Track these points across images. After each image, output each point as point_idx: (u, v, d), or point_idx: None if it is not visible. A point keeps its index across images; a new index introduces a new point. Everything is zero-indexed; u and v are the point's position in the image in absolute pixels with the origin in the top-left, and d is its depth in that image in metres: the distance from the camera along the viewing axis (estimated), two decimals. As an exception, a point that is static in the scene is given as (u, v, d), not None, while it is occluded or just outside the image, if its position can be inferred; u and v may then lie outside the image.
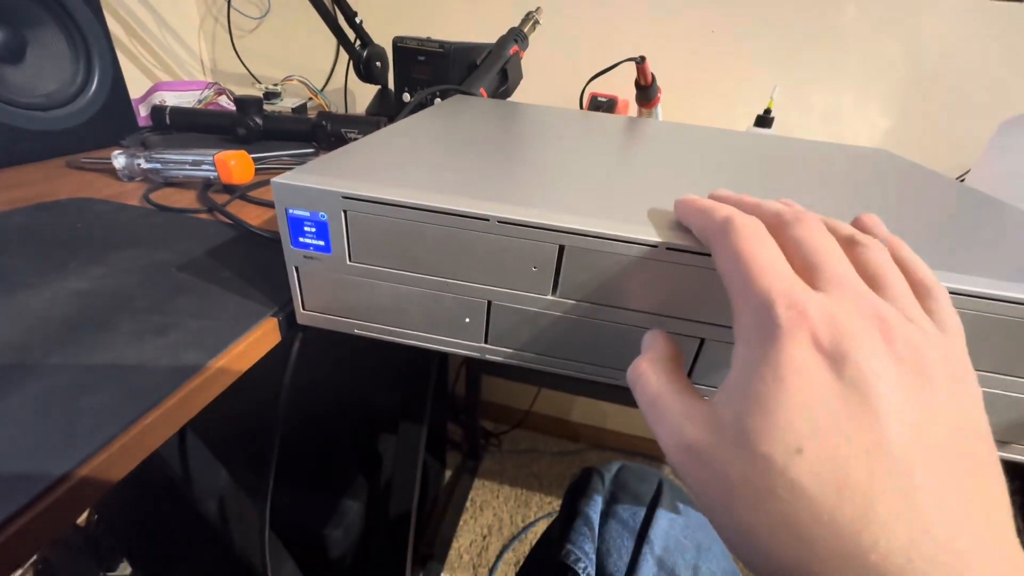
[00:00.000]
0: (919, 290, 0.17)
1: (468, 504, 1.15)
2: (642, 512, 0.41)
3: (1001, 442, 0.24)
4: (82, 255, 0.34)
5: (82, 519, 0.83)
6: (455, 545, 1.06)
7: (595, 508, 0.41)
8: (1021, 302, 0.21)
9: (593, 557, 0.37)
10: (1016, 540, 0.12)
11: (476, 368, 1.10)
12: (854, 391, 0.13)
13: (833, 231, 0.18)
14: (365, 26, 0.75)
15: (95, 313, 0.28)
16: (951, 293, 0.21)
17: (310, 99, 0.85)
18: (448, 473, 1.19)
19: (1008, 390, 0.23)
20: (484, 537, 1.09)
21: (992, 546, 0.12)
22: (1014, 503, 0.14)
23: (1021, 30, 0.70)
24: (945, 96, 0.76)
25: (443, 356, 0.86)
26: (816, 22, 0.76)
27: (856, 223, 0.21)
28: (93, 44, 0.55)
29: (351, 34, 0.75)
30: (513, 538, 1.08)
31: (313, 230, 0.26)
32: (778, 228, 0.18)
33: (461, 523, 1.10)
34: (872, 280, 0.16)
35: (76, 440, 0.20)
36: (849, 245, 0.17)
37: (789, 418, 0.13)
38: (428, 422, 0.61)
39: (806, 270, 0.16)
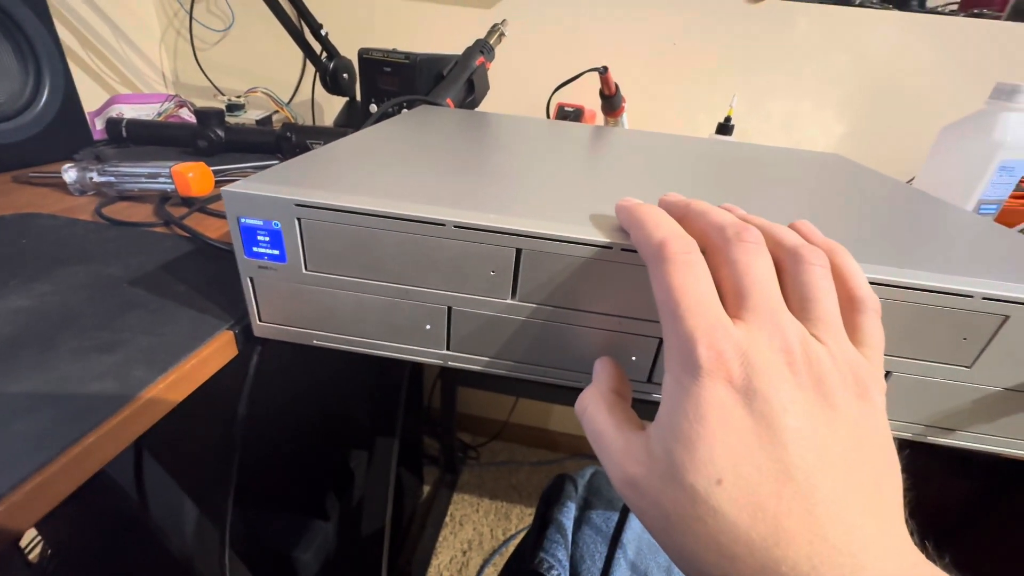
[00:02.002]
0: (851, 303, 0.18)
1: (447, 519, 1.13)
2: (615, 516, 0.41)
3: (946, 429, 0.25)
4: (25, 272, 0.32)
5: (35, 554, 0.78)
6: (435, 563, 1.03)
7: (568, 515, 0.41)
8: (960, 293, 0.21)
9: (567, 564, 0.37)
10: (906, 534, 0.15)
11: (451, 380, 1.09)
12: (763, 424, 0.15)
13: (778, 243, 0.19)
14: (331, 38, 0.75)
15: (37, 331, 0.26)
16: (895, 287, 0.22)
17: (276, 111, 0.84)
18: (426, 489, 1.17)
19: (948, 378, 0.24)
20: (464, 552, 1.07)
21: (884, 544, 0.14)
22: (907, 499, 0.16)
23: (957, 41, 0.75)
24: (893, 104, 0.80)
25: (415, 368, 0.85)
26: (771, 34, 0.79)
27: (791, 229, 0.21)
28: (43, 55, 0.53)
29: (317, 46, 0.75)
30: (494, 552, 1.07)
31: (267, 239, 0.25)
32: (718, 247, 0.18)
33: (440, 539, 1.08)
34: (801, 301, 0.17)
35: (9, 465, 0.19)
36: (791, 261, 0.18)
37: (709, 453, 0.15)
38: (400, 435, 0.60)
39: (735, 296, 0.17)
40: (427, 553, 1.03)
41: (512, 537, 1.11)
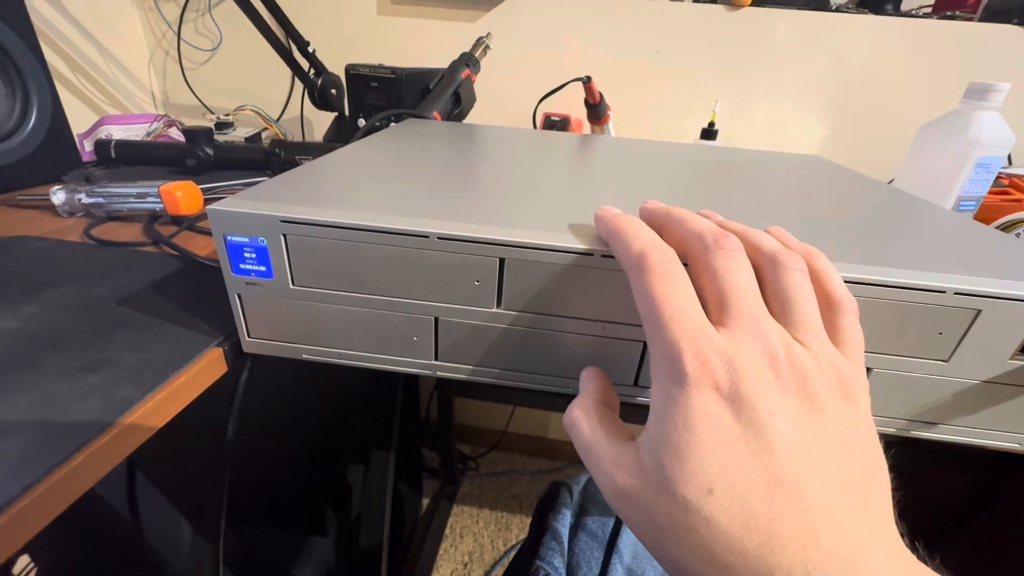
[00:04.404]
0: (829, 304, 0.18)
1: (447, 532, 1.12)
2: (611, 522, 0.41)
3: (928, 423, 0.26)
4: (12, 294, 0.32)
5: (28, 581, 0.77)
6: (435, 576, 1.03)
7: (564, 522, 0.41)
8: (933, 289, 0.22)
9: (563, 571, 0.37)
10: (896, 534, 0.15)
11: (447, 391, 1.09)
12: (752, 431, 0.15)
13: (756, 249, 0.19)
14: (318, 55, 0.75)
15: (22, 353, 0.26)
16: (870, 284, 0.22)
17: (265, 128, 0.85)
18: (426, 501, 1.16)
19: (927, 373, 0.24)
20: (465, 565, 1.06)
21: (876, 546, 0.14)
22: (895, 499, 0.16)
23: (932, 43, 0.76)
24: (871, 106, 0.81)
25: (411, 380, 0.85)
26: (751, 40, 0.80)
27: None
28: (30, 78, 0.54)
29: (305, 63, 0.76)
30: (495, 563, 1.06)
31: (253, 256, 0.25)
32: (697, 255, 0.19)
33: (441, 552, 1.07)
34: (782, 305, 0.18)
35: (-6, 487, 0.19)
36: (770, 266, 0.18)
37: (700, 463, 0.15)
38: (397, 448, 0.60)
39: (717, 303, 0.17)
40: (427, 566, 1.02)
41: (513, 548, 1.10)
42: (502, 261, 0.24)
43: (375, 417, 0.60)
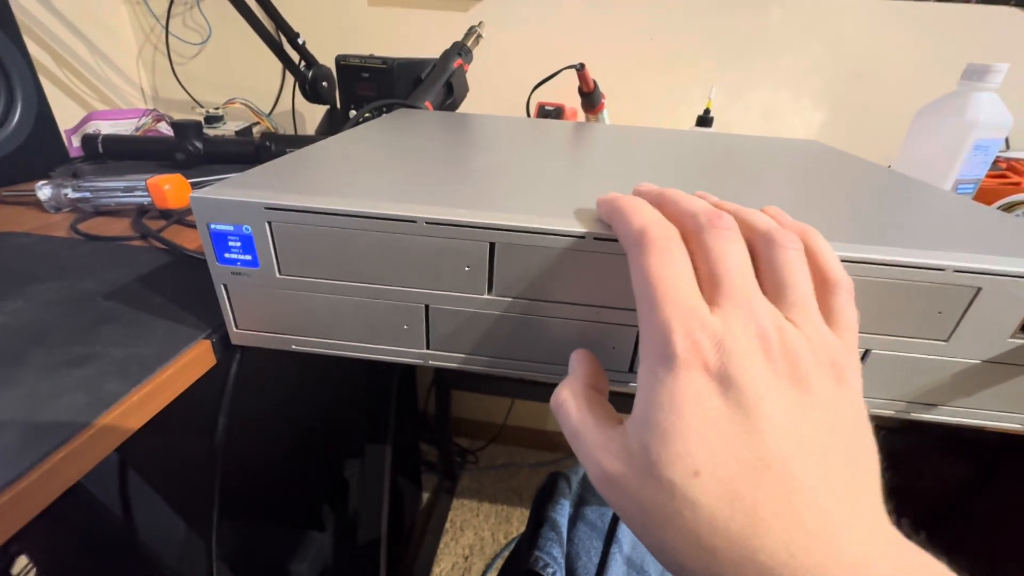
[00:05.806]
0: (824, 285, 0.18)
1: (448, 526, 1.12)
2: (610, 512, 0.41)
3: (927, 404, 0.25)
4: (-4, 290, 0.32)
5: (26, 582, 0.77)
6: (436, 570, 1.03)
7: (562, 513, 0.41)
8: (931, 267, 0.21)
9: (562, 562, 0.37)
10: (882, 514, 0.14)
11: (445, 384, 1.09)
12: (740, 412, 0.15)
13: (750, 228, 0.19)
14: (308, 47, 0.75)
15: (6, 348, 0.26)
16: (868, 264, 0.22)
17: (256, 122, 0.84)
18: (425, 495, 1.16)
19: (926, 353, 0.24)
20: (466, 558, 1.06)
21: (859, 526, 0.14)
22: (883, 480, 0.16)
23: (930, 25, 0.76)
24: (869, 90, 0.81)
25: (407, 373, 0.84)
26: (746, 26, 0.79)
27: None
28: (14, 74, 0.53)
29: (295, 56, 0.75)
30: (496, 556, 1.06)
31: (238, 244, 0.25)
32: (691, 234, 0.18)
33: (441, 546, 1.08)
34: (776, 285, 0.17)
35: (-26, 484, 0.19)
36: (764, 245, 0.18)
37: (686, 445, 0.14)
38: (394, 442, 0.60)
39: (709, 283, 0.17)
40: (428, 560, 1.02)
41: (513, 540, 1.10)
42: (492, 246, 0.23)
43: (371, 411, 0.60)
